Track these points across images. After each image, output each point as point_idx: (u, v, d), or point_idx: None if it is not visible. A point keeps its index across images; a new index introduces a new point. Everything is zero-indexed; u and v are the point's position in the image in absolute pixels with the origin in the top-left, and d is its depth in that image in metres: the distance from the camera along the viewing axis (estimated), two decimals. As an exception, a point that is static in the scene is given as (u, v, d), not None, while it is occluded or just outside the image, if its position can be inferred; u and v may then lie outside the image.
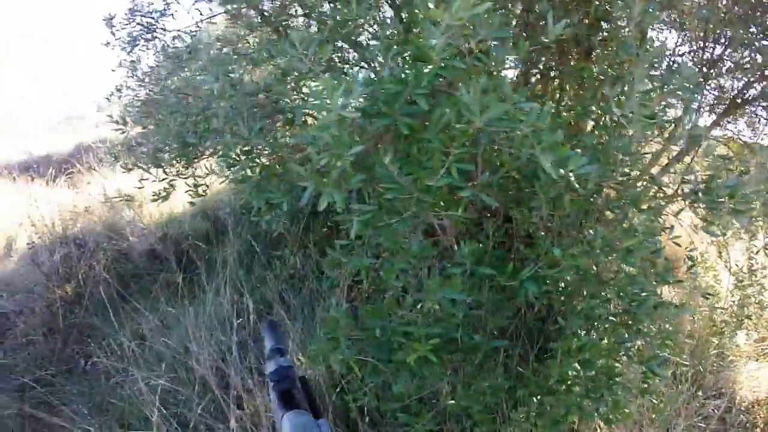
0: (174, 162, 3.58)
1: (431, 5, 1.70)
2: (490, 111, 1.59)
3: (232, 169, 2.65)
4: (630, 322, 2.26)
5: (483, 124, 1.62)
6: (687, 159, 3.23)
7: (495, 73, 1.86)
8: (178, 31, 4.30)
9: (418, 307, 2.27)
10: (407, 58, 1.97)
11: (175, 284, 5.19)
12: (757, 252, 4.02)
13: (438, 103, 1.84)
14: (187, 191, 3.48)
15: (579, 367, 2.30)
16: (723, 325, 4.01)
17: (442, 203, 2.04)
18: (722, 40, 3.30)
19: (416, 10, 2.00)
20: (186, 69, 4.38)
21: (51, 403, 4.29)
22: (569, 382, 2.35)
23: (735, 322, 4.01)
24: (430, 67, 1.75)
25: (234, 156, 2.63)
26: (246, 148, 2.67)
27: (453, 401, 2.67)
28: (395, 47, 1.98)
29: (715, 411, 3.29)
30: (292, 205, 2.37)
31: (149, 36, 4.22)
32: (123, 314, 5.12)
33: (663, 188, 2.32)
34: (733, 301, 4.12)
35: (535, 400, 2.50)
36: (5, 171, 9.81)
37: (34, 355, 4.87)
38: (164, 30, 4.26)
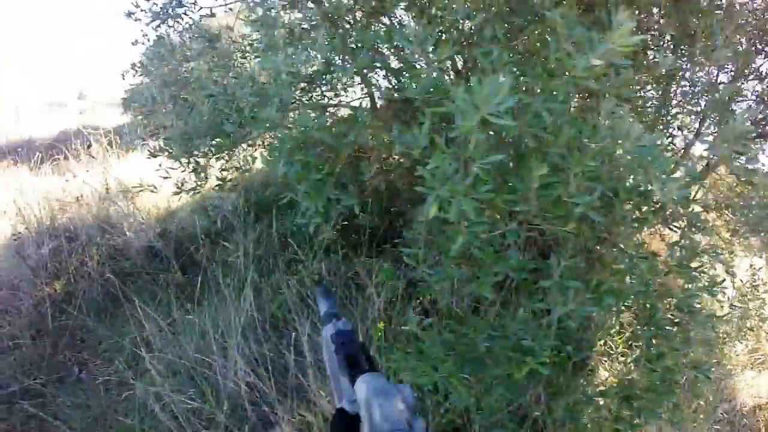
0: (209, 151, 3.20)
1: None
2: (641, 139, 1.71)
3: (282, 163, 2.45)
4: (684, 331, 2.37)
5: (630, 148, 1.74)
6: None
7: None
8: (211, 8, 3.94)
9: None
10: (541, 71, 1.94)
11: (177, 285, 4.78)
12: (760, 269, 4.36)
13: (567, 121, 1.87)
14: (216, 184, 3.09)
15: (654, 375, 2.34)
16: (725, 336, 4.20)
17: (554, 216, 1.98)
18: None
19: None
20: (218, 49, 4.04)
21: (42, 417, 3.81)
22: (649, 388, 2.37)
23: (736, 334, 4.23)
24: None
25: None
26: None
27: (542, 413, 2.70)
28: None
29: (724, 415, 3.67)
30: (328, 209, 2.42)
31: (179, 11, 3.83)
32: (120, 317, 4.68)
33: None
34: (736, 314, 4.28)
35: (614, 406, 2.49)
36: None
37: (20, 360, 4.37)
38: (195, 5, 3.87)
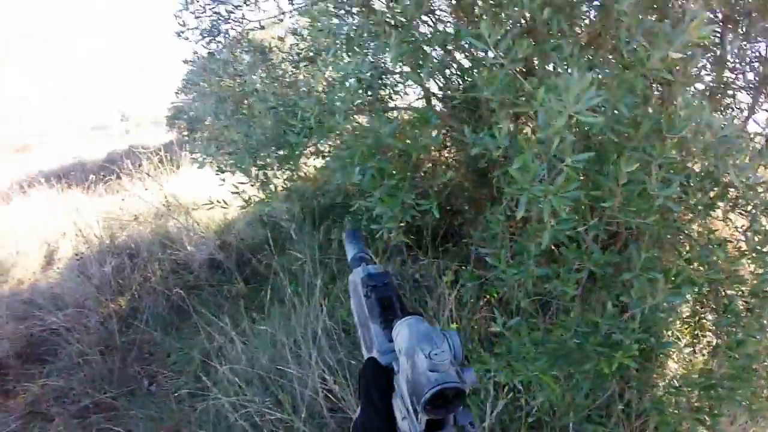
0: (274, 163, 3.26)
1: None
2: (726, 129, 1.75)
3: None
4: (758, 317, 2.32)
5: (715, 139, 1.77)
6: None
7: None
8: (260, 21, 4.02)
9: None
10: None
11: (241, 296, 4.85)
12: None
13: (644, 114, 1.93)
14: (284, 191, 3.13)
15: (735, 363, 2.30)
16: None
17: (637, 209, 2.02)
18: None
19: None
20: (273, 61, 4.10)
21: (114, 431, 3.90)
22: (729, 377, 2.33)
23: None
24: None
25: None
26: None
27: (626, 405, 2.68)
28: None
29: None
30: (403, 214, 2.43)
31: (227, 26, 3.93)
32: (187, 329, 4.78)
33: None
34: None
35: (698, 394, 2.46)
36: (40, 178, 9.49)
37: (90, 376, 4.47)
38: (243, 19, 3.96)
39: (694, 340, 2.96)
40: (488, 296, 3.31)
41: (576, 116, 1.54)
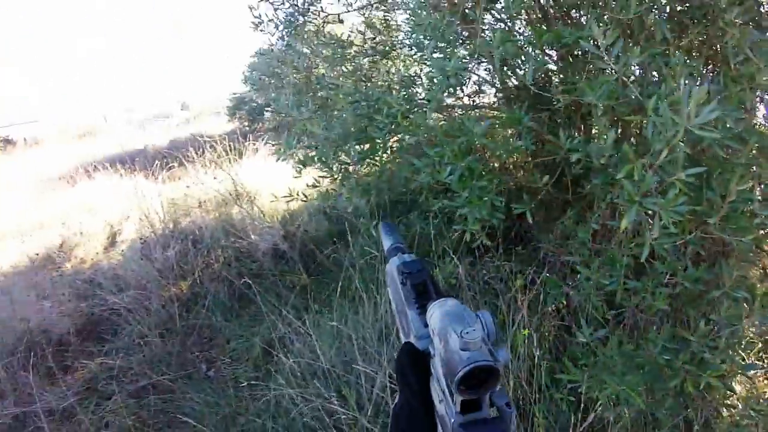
0: (355, 157, 3.23)
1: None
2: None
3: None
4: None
5: None
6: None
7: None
8: (339, 14, 3.99)
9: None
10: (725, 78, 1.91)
11: (302, 287, 4.83)
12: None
13: (751, 130, 1.88)
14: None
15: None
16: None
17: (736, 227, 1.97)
18: None
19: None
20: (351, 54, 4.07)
21: (171, 412, 3.92)
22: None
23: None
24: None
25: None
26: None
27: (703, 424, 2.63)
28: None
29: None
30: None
31: (305, 18, 3.91)
32: (248, 317, 4.77)
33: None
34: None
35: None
36: (104, 163, 9.72)
37: (149, 357, 4.52)
38: (322, 11, 3.93)
39: (759, 362, 2.85)
40: (558, 304, 3.19)
41: (693, 130, 1.50)
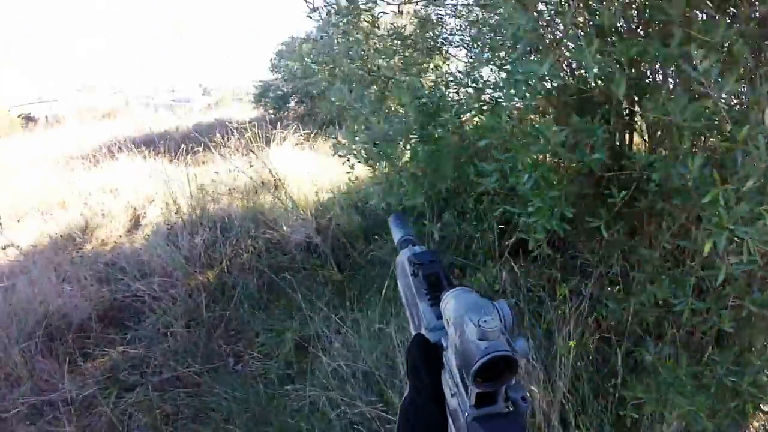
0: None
1: None
2: None
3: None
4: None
5: None
6: None
7: None
8: (399, 4, 3.88)
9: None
10: None
11: (334, 282, 4.68)
12: None
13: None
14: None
15: None
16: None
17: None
18: None
19: None
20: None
21: (196, 407, 3.79)
22: None
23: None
24: None
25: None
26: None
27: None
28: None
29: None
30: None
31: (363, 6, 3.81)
32: (277, 310, 4.63)
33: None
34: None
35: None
36: (128, 144, 9.60)
37: (174, 347, 4.37)
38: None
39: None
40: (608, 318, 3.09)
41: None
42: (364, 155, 3.09)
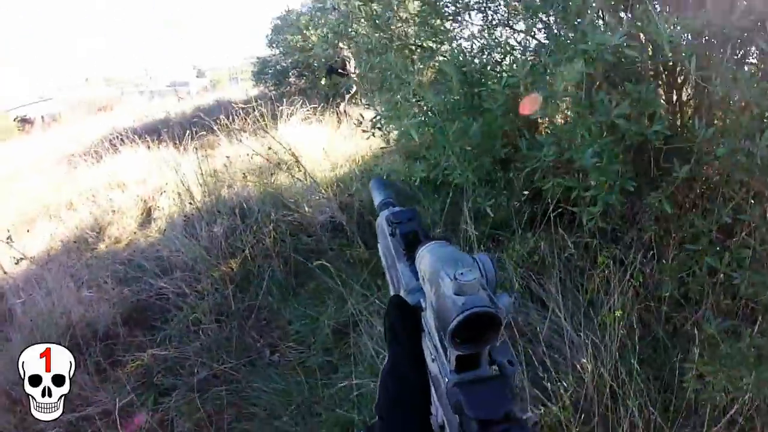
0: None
1: None
2: None
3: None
4: None
5: None
6: None
7: None
8: None
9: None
10: None
11: (363, 262, 4.54)
12: None
13: None
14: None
15: None
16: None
17: None
18: None
19: None
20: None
21: (238, 404, 3.69)
22: None
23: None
24: None
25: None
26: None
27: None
28: None
29: None
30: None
31: None
32: (307, 295, 4.56)
33: None
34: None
35: None
36: (130, 134, 9.43)
37: (206, 345, 4.23)
38: None
39: None
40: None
41: None
42: (414, 129, 2.96)
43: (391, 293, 0.95)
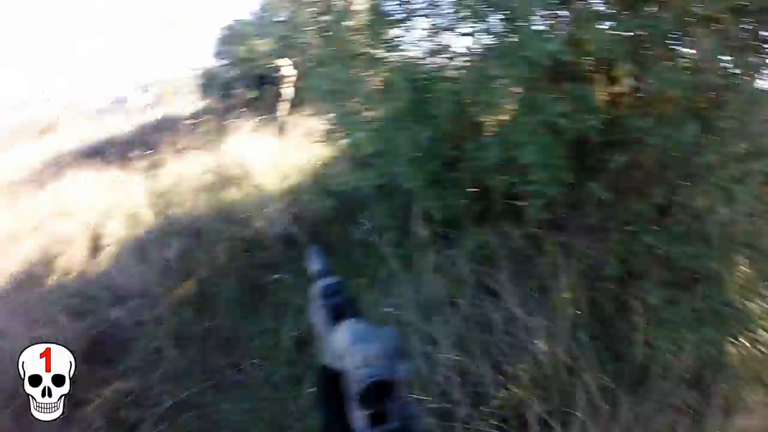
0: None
1: None
2: None
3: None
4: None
5: None
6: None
7: None
8: None
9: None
10: None
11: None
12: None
13: None
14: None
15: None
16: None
17: None
18: None
19: None
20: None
21: (209, 429, 3.70)
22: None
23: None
24: None
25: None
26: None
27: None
28: None
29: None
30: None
31: None
32: (267, 310, 4.65)
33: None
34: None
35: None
36: (70, 159, 9.27)
37: (170, 372, 4.21)
38: None
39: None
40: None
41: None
42: (365, 140, 3.08)
43: (325, 359, 1.03)
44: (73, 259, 6.40)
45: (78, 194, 7.92)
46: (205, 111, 9.50)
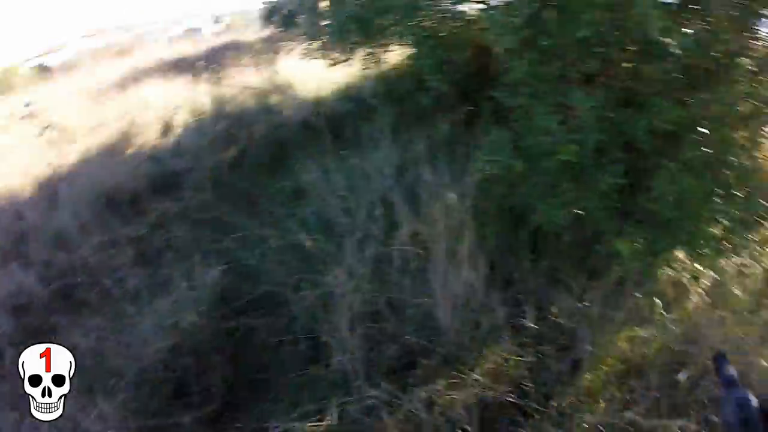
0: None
1: None
2: None
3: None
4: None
5: None
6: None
7: None
8: None
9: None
10: None
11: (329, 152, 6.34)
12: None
13: None
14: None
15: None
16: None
17: None
18: None
19: None
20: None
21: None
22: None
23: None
24: None
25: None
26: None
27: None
28: None
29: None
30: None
31: None
32: (281, 171, 6.60)
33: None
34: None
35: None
36: (150, 71, 11.62)
37: (203, 200, 6.31)
38: None
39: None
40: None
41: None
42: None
43: None
44: (148, 137, 8.73)
45: (154, 95, 10.19)
46: (266, 38, 11.42)
